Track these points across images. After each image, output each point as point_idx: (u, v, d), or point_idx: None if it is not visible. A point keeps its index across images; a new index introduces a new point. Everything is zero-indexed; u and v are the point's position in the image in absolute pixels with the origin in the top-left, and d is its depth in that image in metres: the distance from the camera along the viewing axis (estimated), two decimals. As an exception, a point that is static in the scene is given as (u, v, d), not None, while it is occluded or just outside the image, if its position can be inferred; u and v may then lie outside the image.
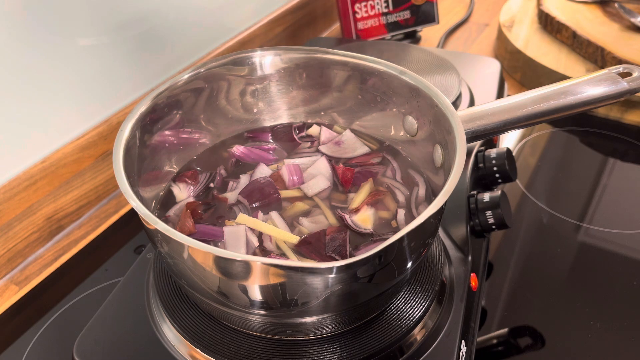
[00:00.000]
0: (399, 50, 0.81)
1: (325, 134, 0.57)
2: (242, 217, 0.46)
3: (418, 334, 0.46)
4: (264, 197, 0.49)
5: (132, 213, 0.72)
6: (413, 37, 1.06)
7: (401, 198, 0.50)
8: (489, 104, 0.49)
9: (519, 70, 0.96)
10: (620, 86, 0.49)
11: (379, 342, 0.44)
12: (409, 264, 0.41)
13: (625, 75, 0.50)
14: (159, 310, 0.49)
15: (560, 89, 0.49)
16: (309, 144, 0.58)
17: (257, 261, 0.34)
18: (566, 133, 0.84)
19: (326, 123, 0.59)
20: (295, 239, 0.45)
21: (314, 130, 0.59)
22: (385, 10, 0.99)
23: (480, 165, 0.63)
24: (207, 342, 0.45)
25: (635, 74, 0.50)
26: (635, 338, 0.56)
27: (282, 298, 0.38)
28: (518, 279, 0.62)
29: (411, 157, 0.54)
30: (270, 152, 0.57)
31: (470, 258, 0.54)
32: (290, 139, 0.58)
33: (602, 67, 0.88)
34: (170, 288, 0.49)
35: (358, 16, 0.99)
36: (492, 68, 0.82)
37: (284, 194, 0.50)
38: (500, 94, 0.79)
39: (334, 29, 1.13)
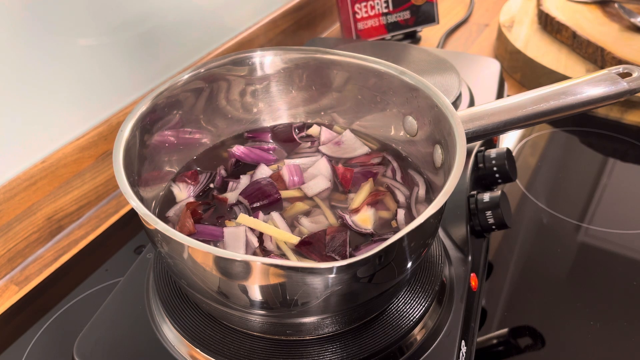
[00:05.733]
0: (399, 50, 0.81)
1: (325, 134, 0.57)
2: (242, 218, 0.46)
3: (418, 334, 0.46)
4: (264, 198, 0.49)
5: (132, 213, 0.72)
6: (413, 37, 1.06)
7: (401, 198, 0.50)
8: (489, 104, 0.49)
9: (519, 71, 0.96)
10: (620, 86, 0.49)
11: (379, 342, 0.44)
12: (409, 264, 0.41)
13: (625, 75, 0.50)
14: (159, 310, 0.49)
15: (560, 89, 0.49)
16: (309, 144, 0.58)
17: (257, 261, 0.34)
18: (566, 133, 0.84)
19: (326, 123, 0.59)
20: (295, 239, 0.45)
21: (314, 130, 0.59)
22: (385, 11, 0.99)
23: (480, 165, 0.64)
24: (207, 342, 0.45)
25: (635, 75, 0.50)
26: (635, 338, 0.56)
27: (282, 298, 0.38)
28: (518, 279, 0.62)
29: (411, 157, 0.54)
30: (270, 152, 0.57)
31: (470, 258, 0.54)
32: (290, 139, 0.58)
33: (602, 68, 0.89)
34: (170, 288, 0.49)
35: (358, 16, 0.99)
36: (492, 68, 0.82)
37: (285, 194, 0.50)
38: (500, 94, 0.79)
39: (334, 29, 1.13)
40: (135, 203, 0.39)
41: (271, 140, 0.58)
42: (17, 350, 0.57)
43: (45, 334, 0.58)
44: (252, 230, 0.46)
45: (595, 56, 0.89)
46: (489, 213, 0.57)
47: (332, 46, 0.89)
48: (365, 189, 0.51)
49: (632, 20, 0.94)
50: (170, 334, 0.47)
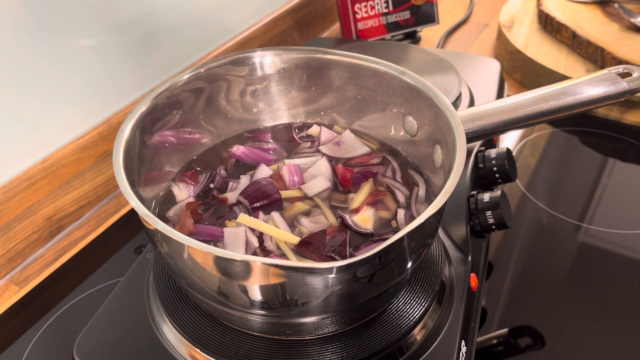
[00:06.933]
0: (399, 50, 0.81)
1: (325, 134, 0.57)
2: (243, 218, 0.46)
3: (418, 334, 0.46)
4: (264, 198, 0.49)
5: (132, 213, 0.72)
6: (413, 37, 1.06)
7: (401, 198, 0.50)
8: (489, 104, 0.49)
9: (519, 71, 0.96)
10: (620, 86, 0.49)
11: (379, 342, 0.44)
12: (409, 264, 0.41)
13: (625, 75, 0.50)
14: (159, 310, 0.49)
15: (560, 89, 0.49)
16: (309, 144, 0.58)
17: (257, 261, 0.34)
18: (566, 133, 0.84)
19: (326, 123, 0.59)
20: (295, 239, 0.45)
21: (314, 130, 0.59)
22: (385, 11, 0.99)
23: (480, 165, 0.64)
24: (207, 342, 0.45)
25: (635, 75, 0.50)
26: (635, 338, 0.56)
27: (282, 298, 0.38)
28: (518, 279, 0.62)
29: (411, 157, 0.54)
30: (270, 152, 0.57)
31: (470, 258, 0.54)
32: (290, 139, 0.58)
33: (602, 68, 0.89)
34: (170, 288, 0.49)
35: (358, 16, 0.99)
36: (492, 68, 0.82)
37: (285, 194, 0.50)
38: (500, 94, 0.79)
39: (334, 29, 1.13)
40: (135, 203, 0.39)
41: (271, 140, 0.58)
42: (17, 350, 0.57)
43: (45, 334, 0.58)
44: (252, 230, 0.46)
45: (595, 56, 0.89)
46: (489, 213, 0.57)
47: (332, 46, 0.89)
48: (365, 189, 0.51)
49: (632, 20, 0.94)
50: (170, 334, 0.47)
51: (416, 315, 0.46)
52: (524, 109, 0.48)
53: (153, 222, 0.37)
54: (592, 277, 0.62)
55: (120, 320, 0.49)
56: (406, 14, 1.01)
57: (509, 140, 0.83)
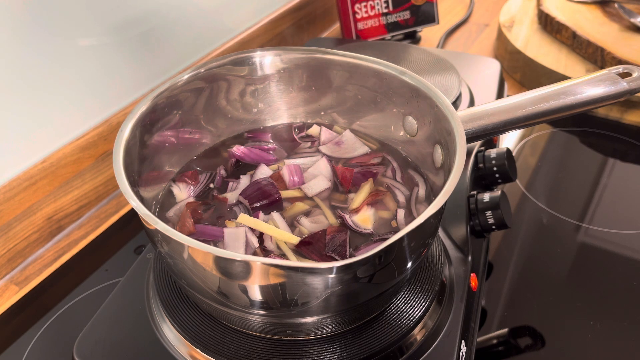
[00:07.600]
0: (399, 50, 0.81)
1: (325, 134, 0.57)
2: (243, 218, 0.46)
3: (418, 334, 0.46)
4: (264, 198, 0.49)
5: (132, 213, 0.72)
6: (413, 37, 1.06)
7: (401, 198, 0.50)
8: (489, 104, 0.49)
9: (519, 71, 0.96)
10: (620, 86, 0.49)
11: (379, 342, 0.44)
12: (409, 264, 0.41)
13: (625, 75, 0.50)
14: (159, 310, 0.49)
15: (560, 89, 0.49)
16: (309, 144, 0.58)
17: (257, 261, 0.34)
18: (566, 133, 0.84)
19: (326, 123, 0.59)
20: (295, 239, 0.45)
21: (314, 130, 0.59)
22: (385, 11, 0.99)
23: (480, 165, 0.64)
24: (207, 342, 0.45)
25: (635, 75, 0.50)
26: (635, 338, 0.56)
27: (282, 298, 0.38)
28: (518, 279, 0.62)
29: (411, 157, 0.54)
30: (270, 152, 0.57)
31: (470, 258, 0.54)
32: (290, 139, 0.58)
33: (602, 68, 0.89)
34: (170, 288, 0.49)
35: (358, 16, 0.99)
36: (492, 68, 0.82)
37: (285, 194, 0.50)
38: (500, 94, 0.79)
39: (334, 29, 1.13)
40: (135, 203, 0.39)
41: (271, 140, 0.58)
42: (17, 350, 0.57)
43: (45, 334, 0.58)
44: (252, 230, 0.46)
45: (595, 56, 0.89)
46: (489, 213, 0.57)
47: (332, 46, 0.89)
48: (365, 189, 0.51)
49: (632, 20, 0.94)
50: (170, 334, 0.47)
51: (416, 315, 0.46)
52: (524, 109, 0.48)
53: (153, 222, 0.37)
54: (592, 277, 0.62)
55: (120, 320, 0.49)
56: (406, 14, 1.01)
57: (509, 140, 0.83)
